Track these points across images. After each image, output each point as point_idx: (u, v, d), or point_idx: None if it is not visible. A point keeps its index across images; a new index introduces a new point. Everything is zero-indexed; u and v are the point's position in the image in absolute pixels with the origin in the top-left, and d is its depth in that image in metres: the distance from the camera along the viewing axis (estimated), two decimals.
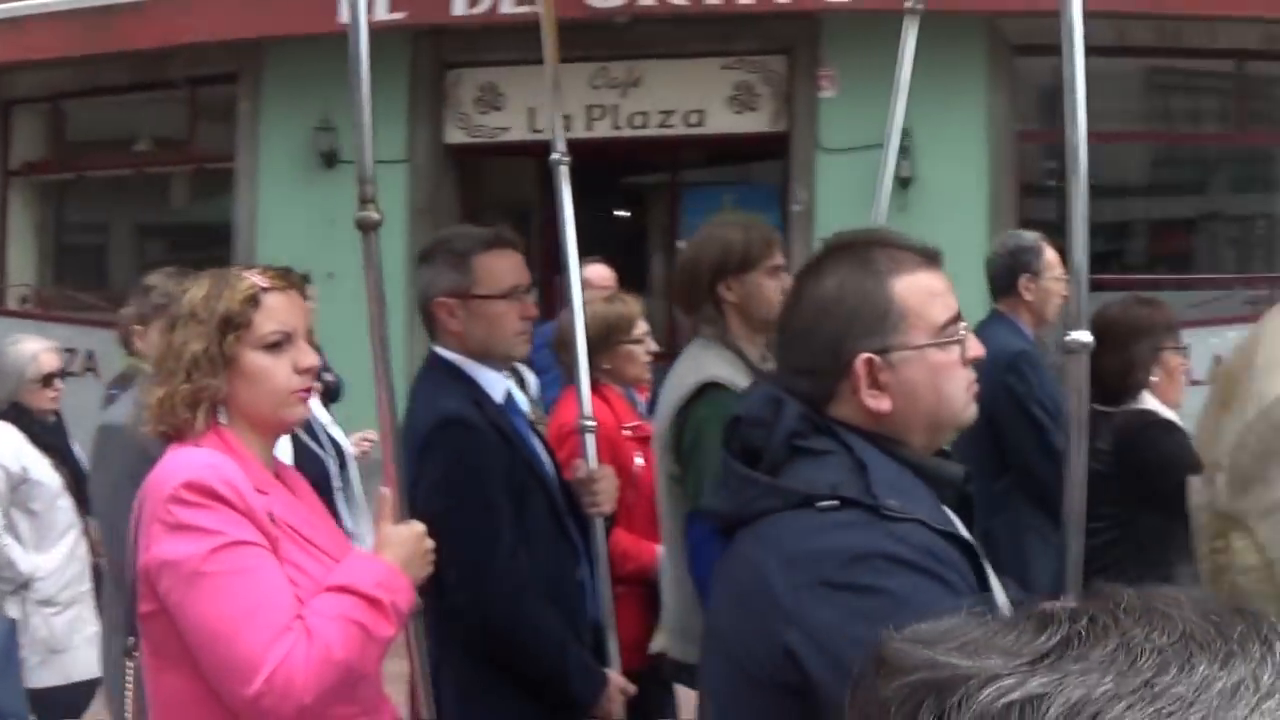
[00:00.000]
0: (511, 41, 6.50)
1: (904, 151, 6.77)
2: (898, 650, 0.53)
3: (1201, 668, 0.46)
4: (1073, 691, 0.45)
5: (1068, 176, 1.92)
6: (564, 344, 3.04)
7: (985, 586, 1.49)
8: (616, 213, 8.72)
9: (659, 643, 2.92)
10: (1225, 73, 7.13)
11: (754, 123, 7.06)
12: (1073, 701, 0.45)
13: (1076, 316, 1.92)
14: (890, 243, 1.61)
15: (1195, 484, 2.29)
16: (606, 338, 3.45)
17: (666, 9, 6.72)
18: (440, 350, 2.52)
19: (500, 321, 2.50)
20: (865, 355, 1.54)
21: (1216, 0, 6.65)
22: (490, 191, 8.38)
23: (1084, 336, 1.88)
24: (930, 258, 1.59)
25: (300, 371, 1.88)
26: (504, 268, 2.52)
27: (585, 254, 3.24)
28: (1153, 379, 3.07)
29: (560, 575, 2.55)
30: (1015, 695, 0.46)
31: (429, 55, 7.18)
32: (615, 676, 2.61)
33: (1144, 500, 2.72)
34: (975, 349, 1.57)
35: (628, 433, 3.35)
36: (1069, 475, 1.88)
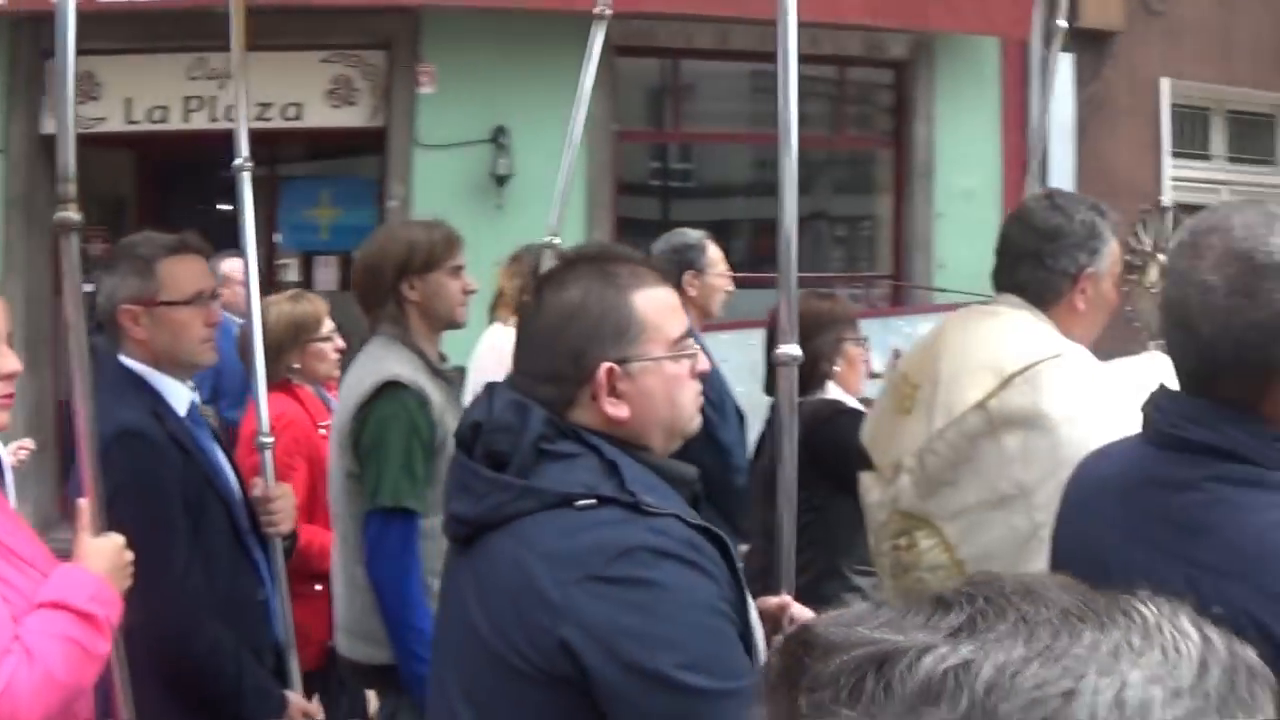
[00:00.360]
0: (110, 30, 6.61)
1: (502, 149, 7.44)
2: (830, 632, 0.64)
3: (1087, 635, 0.59)
4: (996, 656, 0.58)
5: (780, 184, 2.18)
6: (245, 349, 3.26)
7: (736, 576, 1.72)
8: (218, 206, 8.94)
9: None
10: (828, 78, 8.25)
11: (352, 117, 7.71)
12: (999, 664, 0.58)
13: (788, 330, 2.17)
14: (630, 258, 1.87)
15: (868, 481, 2.72)
16: (295, 337, 3.74)
17: (266, 0, 7.01)
18: (124, 359, 2.68)
19: (186, 328, 2.68)
20: (607, 364, 1.76)
21: (819, 7, 7.74)
22: (87, 183, 8.27)
23: (794, 350, 2.16)
24: (664, 274, 1.87)
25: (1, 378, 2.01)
26: (189, 274, 2.70)
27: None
28: (835, 369, 3.56)
29: (239, 594, 2.73)
30: (952, 661, 0.59)
31: (28, 43, 7.18)
32: (295, 698, 2.83)
33: (836, 485, 3.06)
34: (703, 363, 1.85)
35: (323, 431, 3.60)
36: (781, 483, 2.16)
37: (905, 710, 0.59)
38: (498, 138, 7.30)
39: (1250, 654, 0.62)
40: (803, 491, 3.21)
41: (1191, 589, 1.33)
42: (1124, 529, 1.67)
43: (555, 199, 3.35)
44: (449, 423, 2.96)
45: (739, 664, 1.69)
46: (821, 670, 0.63)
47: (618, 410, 1.77)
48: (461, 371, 3.50)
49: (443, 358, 3.17)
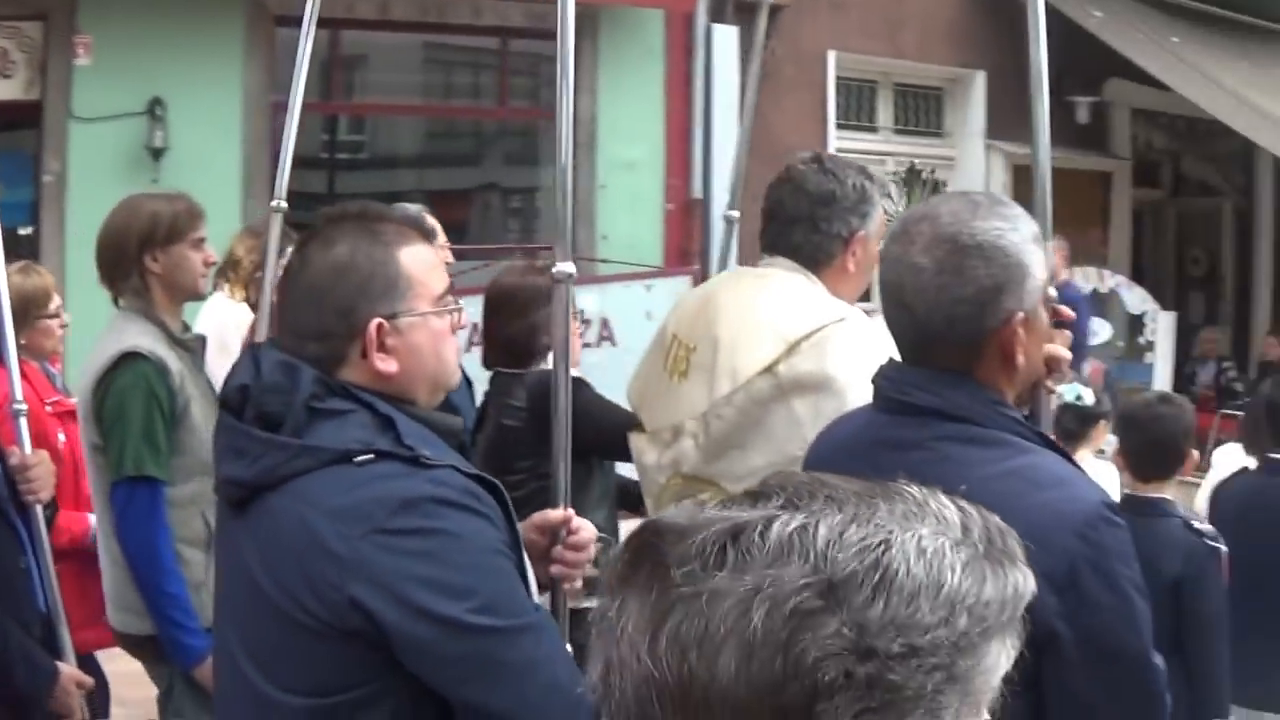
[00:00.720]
0: None
1: (158, 121, 7.96)
2: (679, 519, 0.92)
3: (881, 505, 0.90)
4: (825, 521, 0.87)
5: (559, 150, 2.56)
6: None
7: (511, 520, 2.02)
8: None
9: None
10: (492, 49, 9.05)
11: (9, 90, 8.33)
12: (829, 525, 0.86)
13: (562, 254, 2.59)
14: (393, 217, 2.18)
15: (640, 444, 3.05)
16: (25, 312, 3.98)
17: None
18: None
19: None
20: (377, 320, 2.02)
21: None
22: None
23: (568, 267, 2.58)
24: (426, 232, 2.23)
25: None
26: None
27: None
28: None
29: (2, 564, 2.99)
30: (793, 525, 0.87)
31: None
32: (68, 669, 3.11)
33: None
34: (464, 318, 2.16)
35: (49, 409, 3.96)
36: (556, 411, 2.53)
37: (766, 566, 0.86)
38: (154, 110, 8.08)
39: (996, 519, 0.97)
40: (531, 460, 3.40)
41: None
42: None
43: (281, 168, 3.72)
44: (190, 391, 3.47)
45: (525, 602, 2.01)
46: (683, 549, 0.89)
47: (387, 365, 2.03)
48: (203, 340, 3.90)
49: (186, 327, 3.62)
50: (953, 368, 2.10)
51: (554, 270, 2.57)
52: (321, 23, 8.78)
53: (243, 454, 1.98)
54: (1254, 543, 4.40)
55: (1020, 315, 2.05)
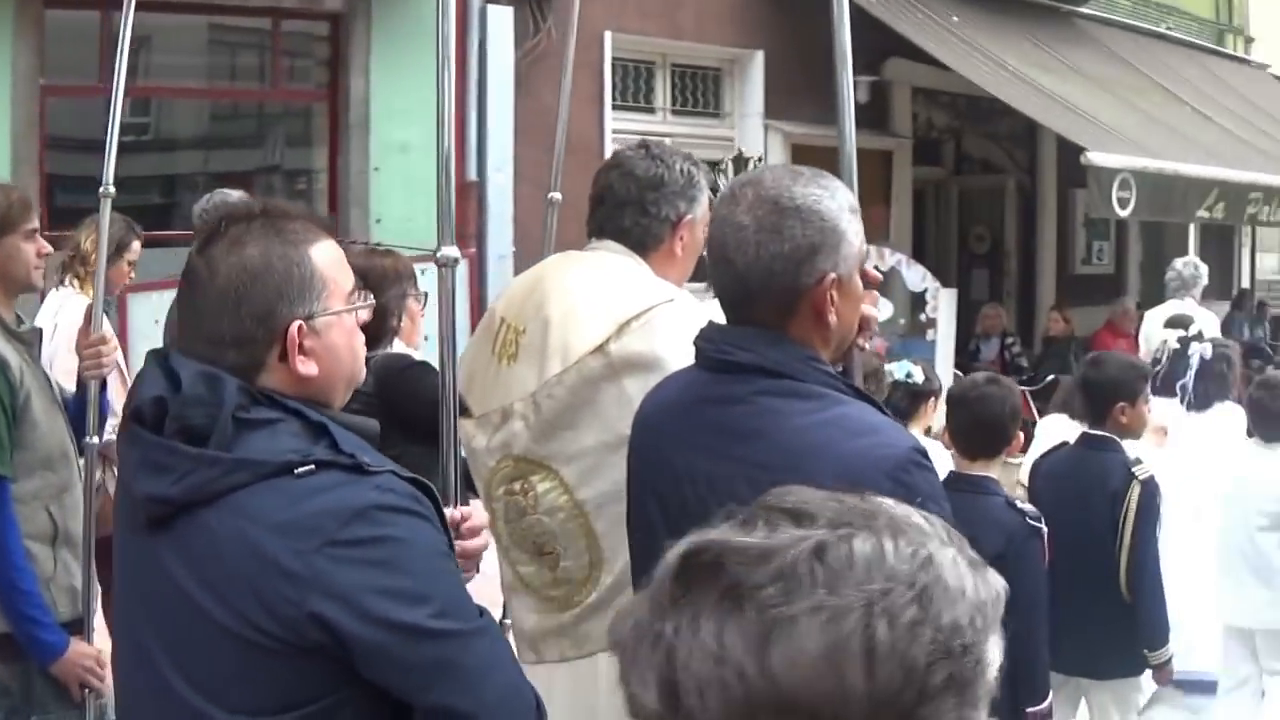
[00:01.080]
0: None
1: None
2: (746, 543, 1.11)
3: (903, 524, 1.12)
4: (879, 540, 1.09)
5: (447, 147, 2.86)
6: None
7: (445, 522, 2.14)
8: None
9: None
10: (263, 29, 9.65)
11: None
12: (889, 541, 1.09)
13: (444, 234, 2.76)
14: (297, 214, 2.23)
15: (470, 428, 3.16)
16: None
17: None
18: None
19: None
20: (298, 322, 2.08)
21: None
22: None
23: (452, 251, 2.80)
24: (327, 227, 2.25)
25: None
26: None
27: None
28: (400, 324, 4.13)
29: None
30: (870, 542, 1.09)
31: None
32: None
33: (408, 434, 3.45)
34: (364, 314, 2.25)
35: None
36: (443, 393, 2.71)
37: (863, 583, 1.06)
38: None
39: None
40: (380, 446, 4.08)
41: (751, 484, 1.83)
42: (689, 441, 2.31)
43: (108, 154, 3.91)
44: (29, 385, 3.64)
45: (472, 604, 2.13)
46: (766, 570, 1.07)
47: (308, 368, 2.10)
48: (39, 333, 4.03)
49: (20, 320, 3.77)
50: (770, 325, 2.40)
51: (438, 255, 2.79)
52: (93, 3, 9.27)
53: (165, 470, 2.01)
54: (1071, 514, 4.93)
55: (833, 277, 2.36)
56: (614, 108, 10.78)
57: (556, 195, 4.53)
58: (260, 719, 2.03)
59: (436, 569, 2.09)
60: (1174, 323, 9.69)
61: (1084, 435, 5.34)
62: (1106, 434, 5.21)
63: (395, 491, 2.05)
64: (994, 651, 1.14)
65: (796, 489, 1.18)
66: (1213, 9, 20.16)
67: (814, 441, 2.34)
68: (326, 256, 2.15)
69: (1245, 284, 18.41)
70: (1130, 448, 5.21)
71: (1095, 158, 10.46)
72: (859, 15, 11.15)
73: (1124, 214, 11.12)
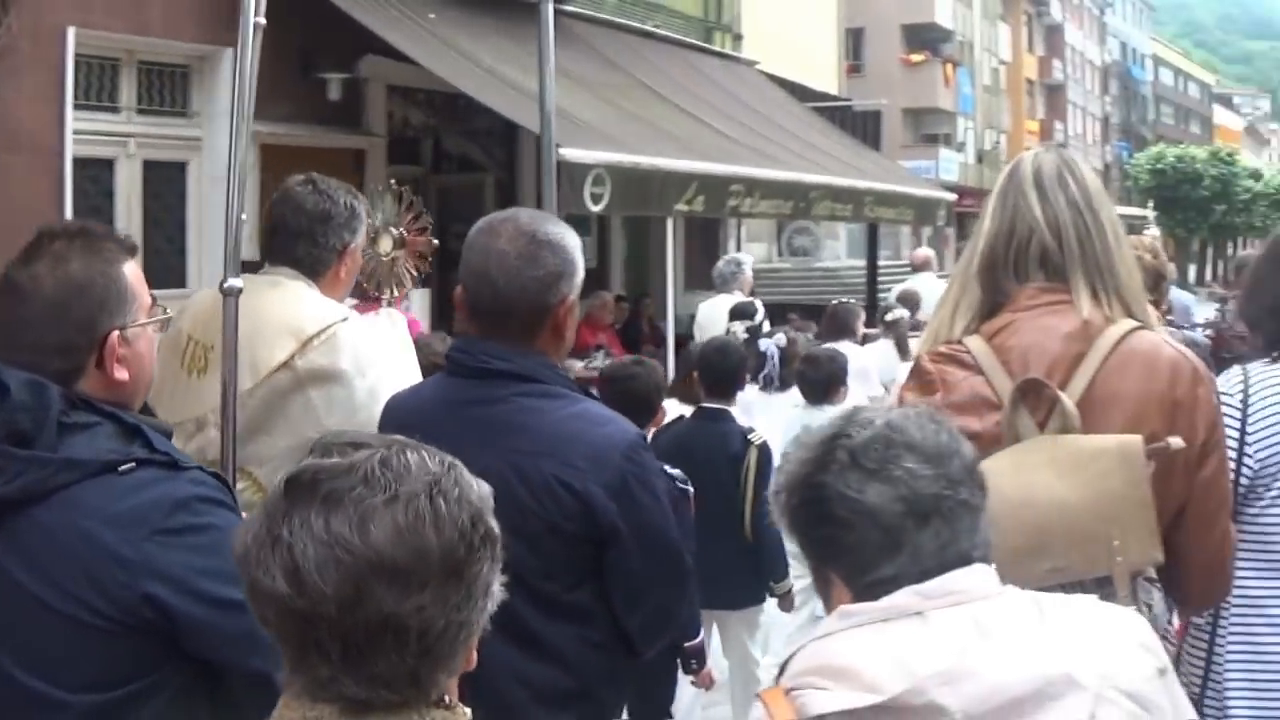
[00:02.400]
0: None
1: None
2: (332, 463, 1.82)
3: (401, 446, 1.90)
4: (411, 450, 1.88)
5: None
6: None
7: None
8: None
9: None
10: None
11: None
12: (418, 452, 1.89)
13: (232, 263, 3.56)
14: (107, 234, 2.74)
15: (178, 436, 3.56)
16: None
17: None
18: None
19: None
20: (115, 332, 2.56)
21: None
22: None
23: (237, 283, 3.56)
24: (131, 248, 2.73)
25: None
26: None
27: None
28: None
29: None
30: (411, 452, 1.85)
31: None
32: None
33: None
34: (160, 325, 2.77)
35: None
36: (225, 407, 3.49)
37: (416, 476, 1.81)
38: None
39: None
40: None
41: (515, 470, 3.10)
42: (452, 435, 2.51)
43: None
44: None
45: None
46: (347, 479, 1.80)
47: (121, 374, 2.59)
48: None
49: None
50: (519, 338, 3.23)
51: (224, 286, 3.51)
52: None
53: None
54: (698, 475, 6.06)
55: (571, 299, 3.29)
56: (76, 107, 10.97)
57: (244, 216, 5.05)
58: (95, 694, 2.49)
59: None
60: (738, 313, 11.28)
61: (700, 409, 6.94)
62: (721, 406, 6.89)
63: (206, 484, 2.60)
64: (497, 527, 1.87)
65: (348, 432, 1.93)
66: (701, 7, 21.81)
67: (568, 431, 3.22)
68: (134, 274, 2.70)
69: None
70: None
71: (568, 154, 11.16)
72: (333, 12, 11.81)
73: (597, 209, 12.06)
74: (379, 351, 4.00)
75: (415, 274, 5.31)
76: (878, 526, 2.18)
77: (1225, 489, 3.20)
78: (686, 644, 5.99)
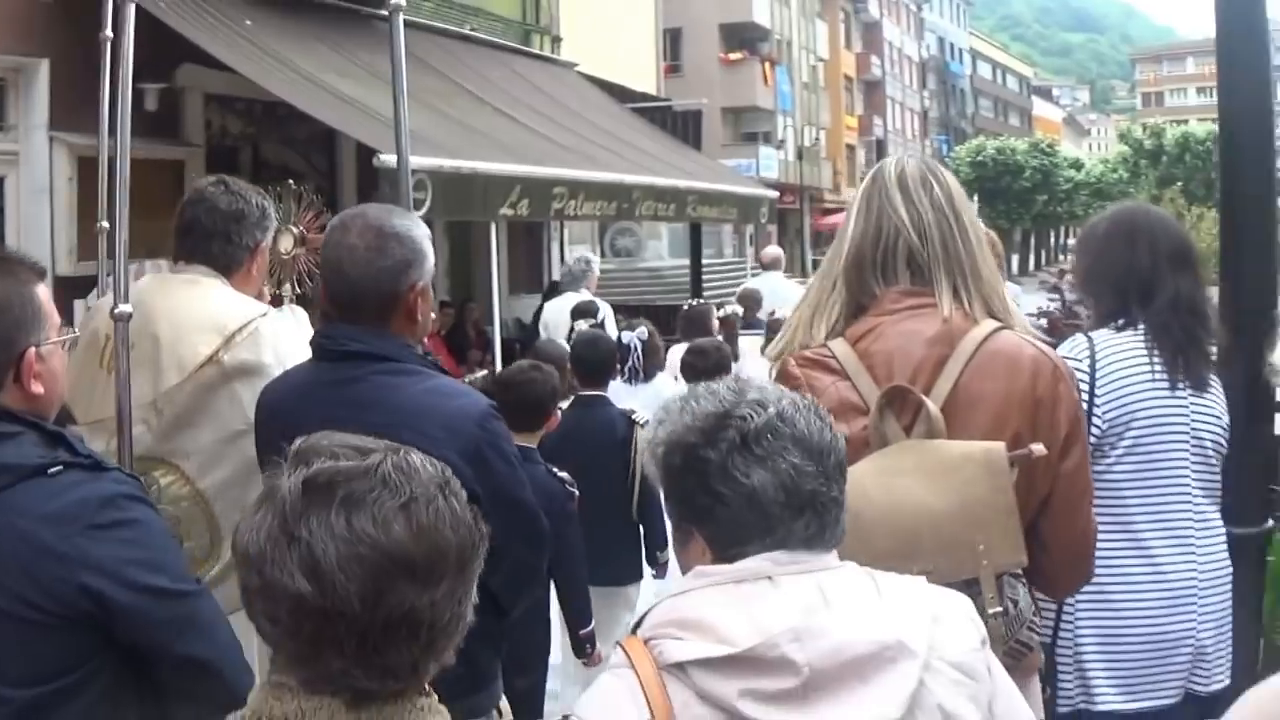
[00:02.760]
0: None
1: None
2: (347, 466, 1.98)
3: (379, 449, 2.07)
4: (412, 454, 2.06)
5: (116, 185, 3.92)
6: None
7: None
8: None
9: None
10: None
11: None
12: (418, 455, 2.08)
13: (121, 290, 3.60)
14: (21, 259, 2.97)
15: (83, 434, 3.82)
16: None
17: None
18: None
19: None
20: (33, 349, 2.81)
21: None
22: None
23: (126, 309, 3.66)
24: (41, 272, 2.98)
25: None
26: None
27: None
28: None
29: None
30: (416, 455, 2.06)
31: None
32: None
33: None
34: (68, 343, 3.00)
35: None
36: (120, 413, 3.69)
37: (426, 478, 2.01)
38: None
39: None
40: None
41: None
42: (316, 414, 2.89)
43: None
44: None
45: (189, 572, 2.97)
46: (364, 482, 1.96)
47: (38, 388, 2.84)
48: None
49: None
50: (375, 322, 3.51)
51: (115, 311, 3.72)
52: None
53: None
54: (584, 460, 6.49)
55: (421, 284, 3.56)
56: None
57: (105, 224, 5.27)
58: (35, 688, 2.69)
59: (166, 543, 2.92)
60: (580, 312, 11.70)
61: (578, 397, 7.31)
62: (597, 393, 7.32)
63: (128, 483, 2.87)
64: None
65: (343, 435, 2.03)
66: (519, 10, 22.08)
67: (423, 405, 3.46)
68: (45, 295, 2.95)
69: (556, 276, 20.04)
70: None
71: (389, 160, 11.04)
72: (149, 21, 11.13)
73: (419, 215, 12.12)
74: (297, 344, 4.14)
75: (317, 270, 5.42)
76: (755, 509, 2.35)
77: (1087, 480, 3.34)
78: (580, 631, 6.37)
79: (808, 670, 2.22)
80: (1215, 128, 5.80)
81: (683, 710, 2.24)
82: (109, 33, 4.22)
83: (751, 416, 2.39)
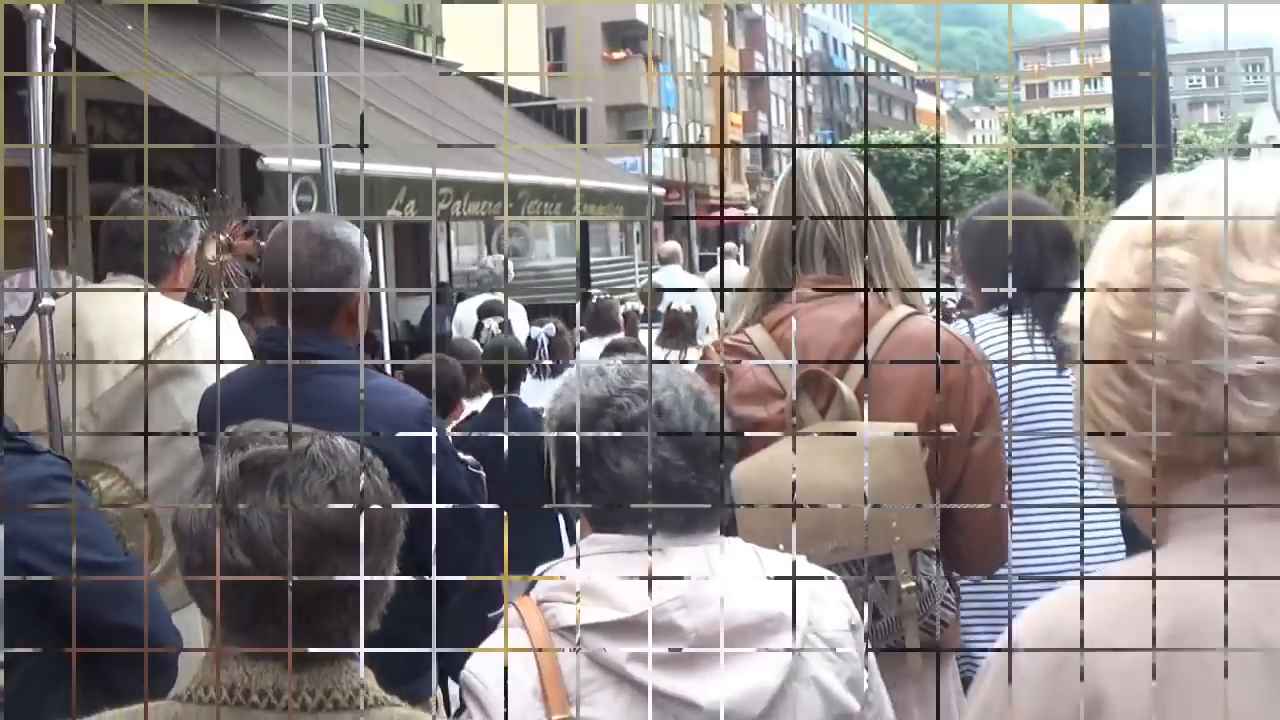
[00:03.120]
0: None
1: None
2: (275, 450, 2.11)
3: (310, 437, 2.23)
4: (337, 439, 2.23)
5: None
6: None
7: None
8: None
9: None
10: None
11: None
12: (340, 440, 2.24)
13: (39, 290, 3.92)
14: None
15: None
16: None
17: None
18: None
19: None
20: None
21: None
22: None
23: (49, 301, 3.91)
24: None
25: None
26: None
27: None
28: None
29: None
30: (341, 438, 2.21)
31: None
32: None
33: None
34: None
35: None
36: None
37: (348, 459, 2.16)
38: None
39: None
40: None
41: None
42: (263, 414, 2.77)
43: None
44: None
45: (118, 544, 3.23)
46: (294, 464, 2.14)
47: None
48: None
49: None
50: (318, 325, 3.76)
51: (40, 306, 3.96)
52: None
53: None
54: (504, 460, 6.54)
55: (360, 289, 3.77)
56: None
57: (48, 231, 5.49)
58: None
59: (96, 519, 3.20)
60: (488, 310, 11.88)
61: (493, 400, 7.55)
62: (511, 396, 7.47)
63: (58, 465, 3.11)
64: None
65: (266, 423, 2.17)
66: (402, 11, 22.21)
67: (368, 401, 3.64)
68: None
69: (445, 277, 20.58)
70: None
71: (272, 163, 11.44)
72: (20, 24, 11.82)
73: (305, 217, 12.22)
74: (227, 347, 4.41)
75: (244, 275, 5.64)
76: (624, 497, 2.48)
77: (1000, 462, 3.46)
78: (490, 614, 6.38)
79: (694, 636, 2.38)
80: (1101, 118, 5.94)
81: (572, 673, 2.39)
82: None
83: (628, 406, 2.54)
